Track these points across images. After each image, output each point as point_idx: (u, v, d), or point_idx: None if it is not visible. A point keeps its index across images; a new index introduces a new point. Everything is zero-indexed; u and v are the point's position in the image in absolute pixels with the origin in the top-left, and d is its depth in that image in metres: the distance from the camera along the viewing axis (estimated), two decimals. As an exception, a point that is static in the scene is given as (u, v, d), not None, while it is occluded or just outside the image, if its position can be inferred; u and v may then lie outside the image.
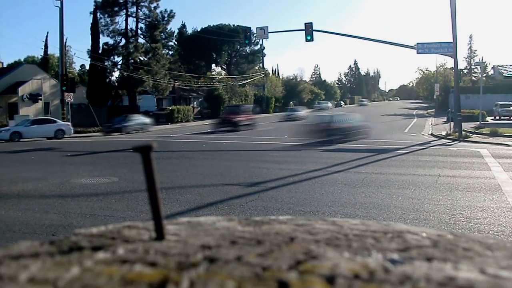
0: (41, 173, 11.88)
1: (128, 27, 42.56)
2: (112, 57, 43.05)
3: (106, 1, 41.13)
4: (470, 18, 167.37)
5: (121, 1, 41.71)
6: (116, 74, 44.53)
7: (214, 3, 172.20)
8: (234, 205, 7.71)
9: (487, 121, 32.20)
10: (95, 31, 41.38)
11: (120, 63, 43.29)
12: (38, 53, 62.92)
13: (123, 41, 42.35)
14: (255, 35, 32.13)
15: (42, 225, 6.60)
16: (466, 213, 6.94)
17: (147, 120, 32.87)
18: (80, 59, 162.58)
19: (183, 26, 66.77)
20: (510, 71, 49.09)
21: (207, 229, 0.98)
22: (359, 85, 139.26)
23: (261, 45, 66.81)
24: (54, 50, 65.13)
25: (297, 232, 0.95)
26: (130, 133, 29.92)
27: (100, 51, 41.37)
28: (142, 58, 43.12)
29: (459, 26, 28.75)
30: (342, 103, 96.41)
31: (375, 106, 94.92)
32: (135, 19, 42.89)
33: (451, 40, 22.58)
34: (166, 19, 45.41)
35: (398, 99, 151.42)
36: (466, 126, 23.83)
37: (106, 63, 41.76)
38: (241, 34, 51.91)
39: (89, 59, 41.63)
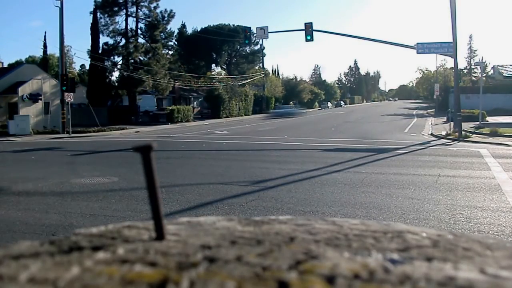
0: (41, 173, 11.87)
1: (128, 27, 42.56)
2: (112, 57, 43.07)
3: (106, 1, 41.13)
4: (470, 18, 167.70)
5: (121, 1, 41.69)
6: (116, 74, 44.60)
7: (214, 3, 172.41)
8: (234, 205, 7.71)
9: (487, 121, 32.19)
10: (95, 31, 41.39)
11: (120, 63, 43.32)
12: (38, 53, 63.06)
13: (123, 41, 42.34)
14: (255, 35, 32.12)
15: (42, 225, 6.60)
16: (466, 213, 6.94)
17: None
18: (80, 59, 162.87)
19: (183, 26, 66.90)
20: (510, 71, 49.04)
21: (207, 229, 0.98)
22: (359, 85, 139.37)
23: (261, 45, 66.93)
24: (53, 50, 65.28)
25: (297, 232, 0.95)
26: None
27: (100, 51, 41.37)
28: (142, 58, 43.11)
29: (459, 26, 28.77)
30: (342, 103, 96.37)
31: (375, 105, 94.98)
32: (135, 19, 42.89)
33: (451, 40, 22.58)
34: (166, 19, 45.44)
35: (397, 99, 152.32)
36: (466, 126, 23.81)
37: (106, 63, 41.76)
38: (241, 34, 51.98)
39: (89, 59, 41.72)
